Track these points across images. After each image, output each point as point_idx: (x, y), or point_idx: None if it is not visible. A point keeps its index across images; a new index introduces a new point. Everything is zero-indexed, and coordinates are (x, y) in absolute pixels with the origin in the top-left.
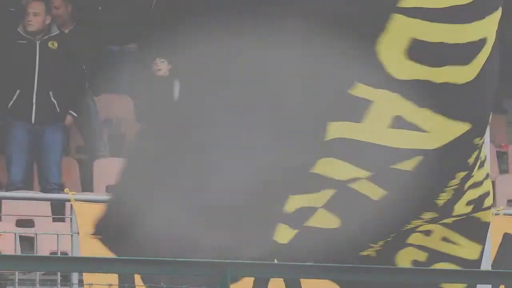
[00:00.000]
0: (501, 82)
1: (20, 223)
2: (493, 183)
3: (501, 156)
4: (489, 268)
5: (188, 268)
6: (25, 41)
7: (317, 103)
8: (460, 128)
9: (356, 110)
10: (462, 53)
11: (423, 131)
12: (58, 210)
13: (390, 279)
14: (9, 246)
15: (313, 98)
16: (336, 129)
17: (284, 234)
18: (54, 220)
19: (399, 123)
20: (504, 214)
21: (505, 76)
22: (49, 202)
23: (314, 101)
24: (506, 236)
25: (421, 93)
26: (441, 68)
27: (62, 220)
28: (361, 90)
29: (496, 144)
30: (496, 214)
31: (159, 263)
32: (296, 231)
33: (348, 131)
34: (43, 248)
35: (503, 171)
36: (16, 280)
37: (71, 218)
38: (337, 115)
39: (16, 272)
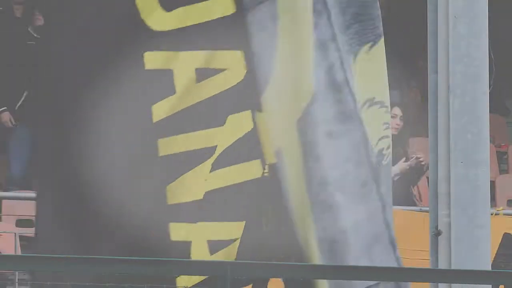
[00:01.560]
0: (501, 82)
1: (20, 223)
2: (493, 183)
3: (501, 156)
4: (489, 268)
5: (189, 268)
6: (34, 42)
7: None
8: None
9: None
10: None
11: None
12: None
13: (390, 279)
14: (9, 246)
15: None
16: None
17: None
18: None
19: None
20: (504, 214)
21: (504, 77)
22: None
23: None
24: (506, 236)
25: None
26: None
27: None
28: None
29: (496, 144)
30: (496, 214)
31: (160, 263)
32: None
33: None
34: None
35: (503, 171)
36: (16, 280)
37: None
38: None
39: (16, 272)
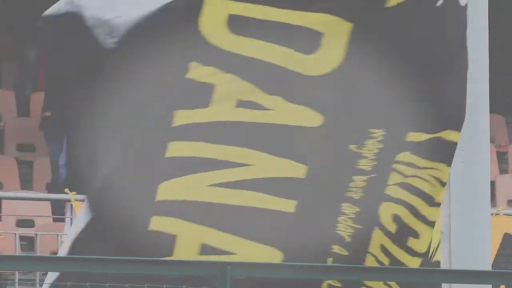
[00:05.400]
0: (501, 83)
1: (20, 223)
2: (493, 183)
3: (501, 156)
4: (489, 268)
5: (188, 268)
6: None
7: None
8: (316, 119)
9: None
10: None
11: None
12: (58, 210)
13: (390, 279)
14: (9, 246)
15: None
16: (184, 116)
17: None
18: (54, 220)
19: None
20: (504, 214)
21: (504, 77)
22: (49, 202)
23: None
24: (506, 236)
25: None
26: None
27: (63, 220)
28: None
29: (496, 144)
30: (496, 214)
31: (159, 263)
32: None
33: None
34: (43, 248)
35: (503, 171)
36: (16, 280)
37: (71, 218)
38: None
39: (16, 272)
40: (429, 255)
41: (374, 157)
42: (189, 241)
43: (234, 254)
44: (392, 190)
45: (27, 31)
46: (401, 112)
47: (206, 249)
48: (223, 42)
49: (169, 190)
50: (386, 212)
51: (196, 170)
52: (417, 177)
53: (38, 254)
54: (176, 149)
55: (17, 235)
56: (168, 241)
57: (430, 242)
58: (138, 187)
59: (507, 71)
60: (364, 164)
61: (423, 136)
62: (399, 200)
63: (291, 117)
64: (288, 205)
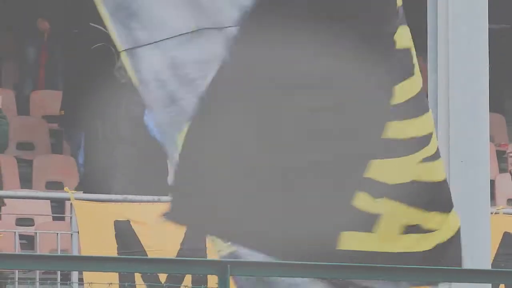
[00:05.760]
0: (501, 82)
1: (20, 221)
2: (493, 182)
3: (500, 155)
4: (489, 268)
5: (188, 268)
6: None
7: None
8: None
9: None
10: None
11: None
12: (58, 209)
13: (390, 278)
14: (9, 245)
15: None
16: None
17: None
18: (54, 218)
19: None
20: (504, 213)
21: (505, 77)
22: (49, 201)
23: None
24: (505, 235)
25: None
26: None
27: (62, 219)
28: None
29: (496, 144)
30: (496, 213)
31: (159, 262)
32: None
33: None
34: (43, 246)
35: (502, 170)
36: (16, 279)
37: (71, 217)
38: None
39: (16, 271)
40: None
41: None
42: (392, 220)
43: (436, 230)
44: None
45: (27, 31)
46: None
47: (409, 228)
48: None
49: (380, 169)
50: None
51: (411, 151)
52: None
53: (38, 253)
54: (394, 129)
55: (17, 234)
56: (370, 218)
57: None
58: (345, 161)
59: (507, 72)
60: None
61: None
62: None
63: None
64: None
